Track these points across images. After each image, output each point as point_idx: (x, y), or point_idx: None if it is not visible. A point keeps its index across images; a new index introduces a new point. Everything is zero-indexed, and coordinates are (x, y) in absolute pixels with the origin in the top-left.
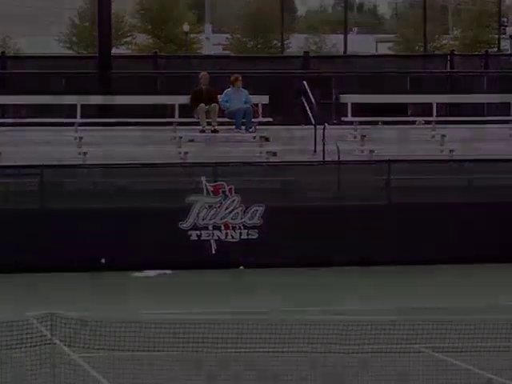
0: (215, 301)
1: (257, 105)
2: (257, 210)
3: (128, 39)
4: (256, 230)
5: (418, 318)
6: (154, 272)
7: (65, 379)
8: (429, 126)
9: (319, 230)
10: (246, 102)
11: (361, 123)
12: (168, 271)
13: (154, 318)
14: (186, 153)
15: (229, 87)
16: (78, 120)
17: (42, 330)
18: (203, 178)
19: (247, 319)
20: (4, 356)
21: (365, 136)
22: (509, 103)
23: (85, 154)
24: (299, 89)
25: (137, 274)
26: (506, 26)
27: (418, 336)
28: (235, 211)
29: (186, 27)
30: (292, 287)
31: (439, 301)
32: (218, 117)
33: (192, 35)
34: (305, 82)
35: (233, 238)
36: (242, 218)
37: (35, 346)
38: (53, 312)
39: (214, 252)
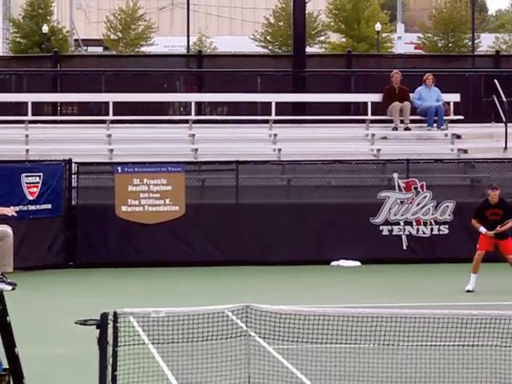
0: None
1: (448, 103)
2: (447, 207)
3: (321, 38)
4: (447, 226)
5: None
6: (346, 262)
7: (259, 370)
8: None
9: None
10: (437, 100)
11: None
12: (358, 263)
13: (344, 312)
14: (378, 150)
15: (421, 85)
16: (273, 117)
17: (238, 322)
18: (395, 175)
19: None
20: (201, 347)
21: None
22: None
23: (279, 150)
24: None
25: (332, 263)
26: None
27: None
28: (427, 207)
29: (377, 26)
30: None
31: None
32: (411, 115)
33: (384, 34)
34: (496, 81)
35: (424, 233)
36: (433, 214)
37: (231, 337)
38: (248, 304)
39: (405, 247)
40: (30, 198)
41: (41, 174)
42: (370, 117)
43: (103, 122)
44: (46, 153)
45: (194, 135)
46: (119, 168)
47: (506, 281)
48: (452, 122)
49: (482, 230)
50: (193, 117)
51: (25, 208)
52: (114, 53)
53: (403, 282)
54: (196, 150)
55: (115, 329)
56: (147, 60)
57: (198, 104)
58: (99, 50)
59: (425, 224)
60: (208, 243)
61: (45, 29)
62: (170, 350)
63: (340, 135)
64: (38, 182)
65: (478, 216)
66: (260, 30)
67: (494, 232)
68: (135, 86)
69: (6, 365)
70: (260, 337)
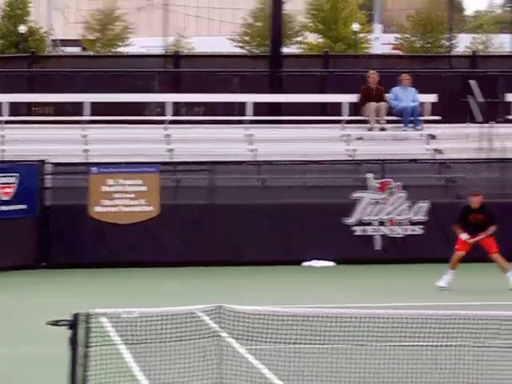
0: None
1: (424, 103)
2: (422, 207)
3: (299, 38)
4: (421, 226)
5: None
6: (318, 263)
7: (231, 371)
8: None
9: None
10: (413, 101)
11: None
12: (332, 263)
13: (317, 312)
14: (354, 150)
15: (397, 86)
16: (249, 118)
17: (210, 322)
18: (370, 175)
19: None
20: (171, 348)
21: None
22: None
23: (255, 150)
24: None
25: (304, 263)
26: None
27: None
28: (401, 207)
29: (355, 27)
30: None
31: None
32: (387, 115)
33: (361, 35)
34: (472, 81)
35: (398, 233)
36: (407, 214)
37: (203, 338)
38: (220, 305)
39: (378, 248)
40: (4, 198)
41: (16, 174)
42: (345, 117)
43: (79, 122)
44: (21, 153)
45: (169, 135)
46: (94, 168)
47: (480, 281)
48: (427, 122)
49: (463, 236)
50: (169, 117)
51: None
52: (91, 53)
53: (376, 282)
54: (171, 150)
55: (87, 329)
56: (124, 60)
57: (175, 104)
58: (77, 50)
59: (399, 224)
60: (182, 244)
61: (22, 29)
62: (141, 350)
63: (316, 135)
64: (12, 183)
65: (461, 221)
66: (238, 30)
67: (474, 240)
68: (111, 87)
69: None
70: (232, 337)
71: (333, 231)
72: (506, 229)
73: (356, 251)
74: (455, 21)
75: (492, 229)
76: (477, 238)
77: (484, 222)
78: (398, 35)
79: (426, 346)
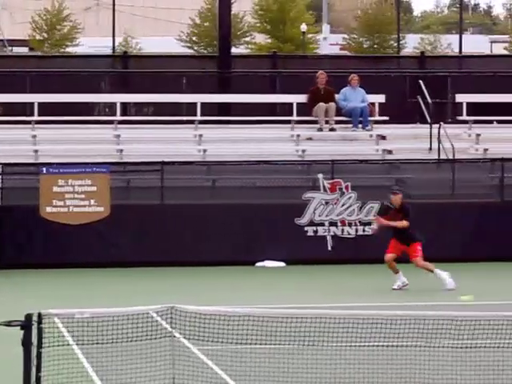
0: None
1: (373, 104)
2: (372, 207)
3: (247, 39)
4: (371, 226)
5: None
6: (271, 263)
7: (184, 371)
8: None
9: (433, 226)
10: (362, 101)
11: (475, 122)
12: (283, 264)
13: (269, 312)
14: (303, 151)
15: (346, 86)
16: (198, 118)
17: (163, 323)
18: (320, 176)
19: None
20: (125, 349)
21: (479, 135)
22: None
23: (204, 151)
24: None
25: (257, 264)
26: None
27: None
28: (351, 208)
29: (303, 27)
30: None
31: None
32: (336, 115)
33: (309, 35)
34: (421, 82)
35: (349, 233)
36: (357, 215)
37: (156, 338)
38: (173, 305)
39: (330, 248)
40: None
41: None
42: (295, 117)
43: (28, 122)
44: None
45: (119, 136)
46: (44, 169)
47: (432, 281)
48: (377, 122)
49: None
50: (118, 117)
51: None
52: (40, 53)
53: (328, 282)
54: (121, 150)
55: (40, 330)
56: (73, 60)
57: (124, 105)
58: (25, 50)
59: (350, 225)
60: (133, 244)
61: None
62: (94, 351)
63: (265, 136)
64: None
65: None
66: (185, 30)
67: (384, 223)
68: (60, 87)
69: None
70: (185, 338)
71: (285, 232)
72: (455, 229)
73: (308, 251)
74: (403, 21)
75: (404, 223)
76: (386, 222)
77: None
78: (345, 36)
79: (378, 346)
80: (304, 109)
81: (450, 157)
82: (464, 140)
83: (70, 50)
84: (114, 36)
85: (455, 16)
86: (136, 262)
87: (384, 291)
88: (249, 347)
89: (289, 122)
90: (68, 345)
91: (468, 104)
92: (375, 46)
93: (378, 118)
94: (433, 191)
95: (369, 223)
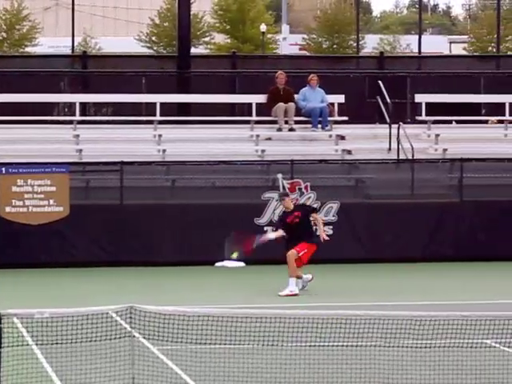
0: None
1: (333, 104)
2: (332, 207)
3: (206, 39)
4: (331, 227)
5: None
6: (231, 263)
7: (143, 371)
8: (501, 125)
9: (393, 226)
10: (322, 101)
11: (434, 122)
12: (242, 264)
13: (228, 312)
14: (263, 151)
15: (305, 86)
16: (158, 118)
17: (122, 323)
18: (280, 176)
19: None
20: (84, 349)
21: (438, 135)
22: None
23: (164, 151)
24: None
25: (217, 264)
26: None
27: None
28: None
29: (262, 27)
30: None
31: None
32: (295, 115)
33: (269, 35)
34: (380, 82)
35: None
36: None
37: (115, 338)
38: (132, 305)
39: None
40: None
41: None
42: (254, 117)
43: None
44: None
45: (78, 136)
46: (3, 169)
47: (392, 281)
48: (336, 122)
49: (271, 236)
50: (77, 117)
51: None
52: None
53: (286, 282)
54: (80, 150)
55: None
56: (32, 60)
57: (83, 105)
58: None
59: None
60: (92, 244)
61: None
62: (54, 351)
63: (225, 136)
64: None
65: (282, 226)
66: (145, 30)
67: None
68: (19, 87)
69: None
70: (144, 337)
71: (245, 231)
72: (415, 229)
73: (268, 251)
74: (362, 21)
75: (321, 217)
76: (320, 232)
77: (299, 221)
78: (305, 36)
79: (338, 346)
80: (263, 109)
81: (410, 157)
82: (423, 140)
83: (30, 49)
84: (73, 36)
85: (414, 16)
86: (95, 262)
87: (342, 291)
88: (208, 347)
89: (248, 122)
90: (27, 345)
91: (427, 104)
92: (334, 46)
93: (337, 118)
94: (392, 191)
95: (328, 223)
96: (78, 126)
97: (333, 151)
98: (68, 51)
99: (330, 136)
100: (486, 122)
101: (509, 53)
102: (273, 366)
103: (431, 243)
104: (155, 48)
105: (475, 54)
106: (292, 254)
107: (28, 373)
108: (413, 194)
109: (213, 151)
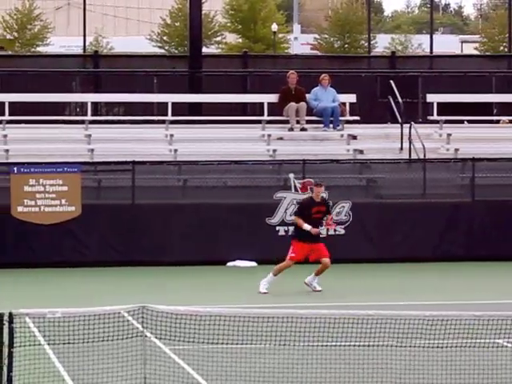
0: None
1: (344, 103)
2: (343, 207)
3: (218, 39)
4: (343, 226)
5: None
6: (242, 263)
7: (155, 371)
8: None
9: (405, 226)
10: (333, 101)
11: (446, 122)
12: (254, 263)
13: (240, 312)
14: (274, 150)
15: (317, 86)
16: (169, 118)
17: (134, 322)
18: (291, 175)
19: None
20: (96, 348)
21: (450, 134)
22: None
23: (175, 150)
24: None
25: (228, 263)
26: None
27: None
28: None
29: (274, 27)
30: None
31: None
32: (306, 115)
33: (280, 35)
34: (391, 82)
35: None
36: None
37: (127, 338)
38: (144, 305)
39: None
40: None
41: None
42: (266, 117)
43: None
44: None
45: (90, 135)
46: (15, 168)
47: (401, 281)
48: (348, 122)
49: (307, 227)
50: (89, 117)
51: None
52: (10, 53)
53: (299, 281)
54: (92, 150)
55: (11, 329)
56: (43, 60)
57: (95, 104)
58: None
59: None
60: (104, 244)
61: None
62: (66, 350)
63: (236, 136)
64: None
65: (302, 213)
66: (156, 30)
67: (317, 232)
68: (31, 86)
69: None
70: (156, 337)
71: (257, 231)
72: (426, 229)
73: (280, 251)
74: (374, 21)
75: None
76: (327, 226)
77: (321, 217)
78: (316, 35)
79: (349, 346)
80: (275, 108)
81: (421, 157)
82: (435, 140)
83: (41, 49)
84: (84, 35)
85: (426, 16)
86: (107, 261)
87: (356, 291)
88: (220, 347)
89: (260, 121)
90: (39, 344)
91: (439, 104)
92: (346, 45)
93: (348, 117)
94: (404, 191)
95: (340, 223)
96: (90, 125)
97: (344, 151)
98: (79, 51)
99: (342, 136)
100: (497, 121)
101: None
102: (285, 365)
103: (442, 243)
104: (166, 48)
105: (487, 53)
106: (328, 261)
107: (40, 372)
108: (424, 193)
109: (224, 151)
